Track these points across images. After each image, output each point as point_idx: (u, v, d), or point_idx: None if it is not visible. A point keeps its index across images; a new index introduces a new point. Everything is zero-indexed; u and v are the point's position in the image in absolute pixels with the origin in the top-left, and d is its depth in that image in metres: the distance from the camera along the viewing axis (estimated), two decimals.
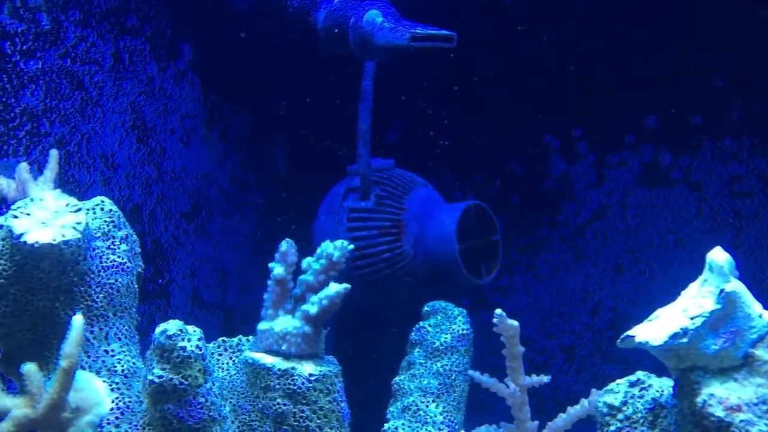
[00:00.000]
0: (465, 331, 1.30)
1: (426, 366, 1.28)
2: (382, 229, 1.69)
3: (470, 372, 1.10)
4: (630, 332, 0.79)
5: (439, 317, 1.32)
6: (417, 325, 1.32)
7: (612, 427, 0.88)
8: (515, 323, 1.04)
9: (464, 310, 1.33)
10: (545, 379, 1.04)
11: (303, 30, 1.53)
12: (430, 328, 1.31)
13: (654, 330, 0.75)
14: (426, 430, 1.19)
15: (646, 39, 2.06)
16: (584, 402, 1.03)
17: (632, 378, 0.91)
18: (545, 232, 2.20)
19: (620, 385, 0.91)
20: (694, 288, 0.78)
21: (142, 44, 1.65)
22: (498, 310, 1.04)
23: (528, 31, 2.10)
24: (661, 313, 0.79)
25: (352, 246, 1.05)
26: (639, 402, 0.88)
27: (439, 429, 1.20)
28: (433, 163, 2.18)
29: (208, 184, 1.92)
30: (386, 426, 1.22)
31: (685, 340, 0.74)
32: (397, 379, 1.29)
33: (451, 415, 1.23)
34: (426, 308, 1.34)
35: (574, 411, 1.04)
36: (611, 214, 2.15)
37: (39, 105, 1.38)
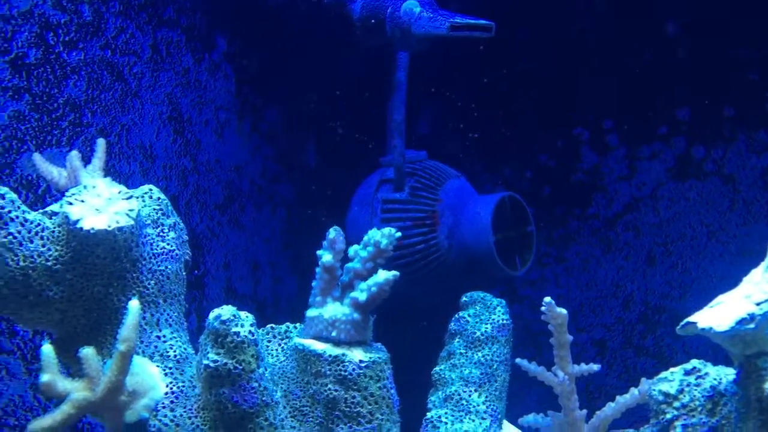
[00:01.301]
0: (505, 321, 1.29)
1: (467, 356, 1.27)
2: (417, 221, 1.69)
3: (518, 360, 1.10)
4: (691, 318, 0.78)
5: (478, 307, 1.31)
6: (456, 315, 1.32)
7: (668, 415, 0.87)
8: (564, 311, 1.04)
9: (503, 300, 1.33)
10: (595, 367, 1.04)
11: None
12: (469, 318, 1.30)
13: (717, 316, 0.75)
14: (470, 419, 1.19)
15: (678, 30, 2.04)
16: (634, 391, 1.02)
17: (687, 366, 0.91)
18: (576, 225, 2.19)
19: (675, 373, 0.91)
20: (757, 274, 0.78)
21: (178, 36, 1.65)
22: (547, 298, 1.04)
23: (559, 22, 2.09)
24: (722, 299, 0.78)
25: (399, 234, 1.05)
26: (696, 390, 0.87)
27: (483, 418, 1.20)
28: (462, 155, 2.18)
29: (241, 177, 1.93)
30: (429, 415, 1.22)
31: (752, 326, 0.73)
32: (437, 368, 1.29)
33: (493, 405, 1.23)
34: (464, 298, 1.34)
35: (623, 400, 1.03)
36: (642, 206, 2.14)
37: (81, 96, 1.39)
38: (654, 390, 0.90)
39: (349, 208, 1.82)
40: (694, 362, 0.91)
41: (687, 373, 0.90)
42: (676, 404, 0.87)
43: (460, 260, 1.72)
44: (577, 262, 2.19)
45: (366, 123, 2.20)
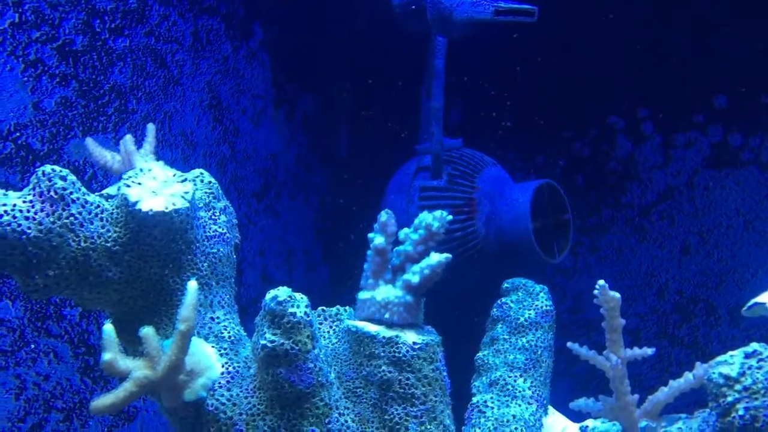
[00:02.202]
0: (548, 308, 1.29)
1: (510, 341, 1.27)
2: (455, 208, 1.69)
3: (569, 344, 1.09)
4: (758, 299, 0.77)
5: (520, 293, 1.31)
6: (498, 302, 1.32)
7: (729, 398, 0.86)
8: (617, 295, 1.04)
9: (545, 287, 1.32)
10: (649, 351, 1.03)
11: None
12: (512, 304, 1.30)
13: None
14: (516, 403, 1.19)
15: (715, 16, 2.01)
16: (688, 375, 1.01)
17: (747, 349, 0.90)
18: (609, 214, 2.17)
19: (734, 356, 0.90)
20: None
21: (218, 24, 1.66)
22: (601, 281, 1.03)
23: (594, 8, 2.07)
24: None
25: (450, 217, 1.05)
26: (758, 372, 0.86)
27: (529, 403, 1.20)
28: (495, 144, 2.17)
29: (277, 165, 1.93)
30: (474, 399, 1.22)
31: None
32: (480, 354, 1.29)
33: (539, 390, 1.23)
34: (506, 285, 1.33)
35: (677, 384, 1.02)
36: (678, 195, 2.12)
37: (127, 82, 1.41)
38: (713, 373, 0.90)
39: (384, 195, 1.82)
40: (755, 345, 0.91)
41: (747, 356, 0.89)
42: (738, 387, 0.87)
43: (497, 248, 1.72)
44: (610, 251, 2.18)
45: (398, 112, 2.20)
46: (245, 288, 1.80)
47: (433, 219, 1.03)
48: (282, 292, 0.95)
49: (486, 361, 1.26)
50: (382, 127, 2.22)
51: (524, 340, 1.25)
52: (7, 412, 1.28)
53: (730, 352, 0.93)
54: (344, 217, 2.22)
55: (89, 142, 1.13)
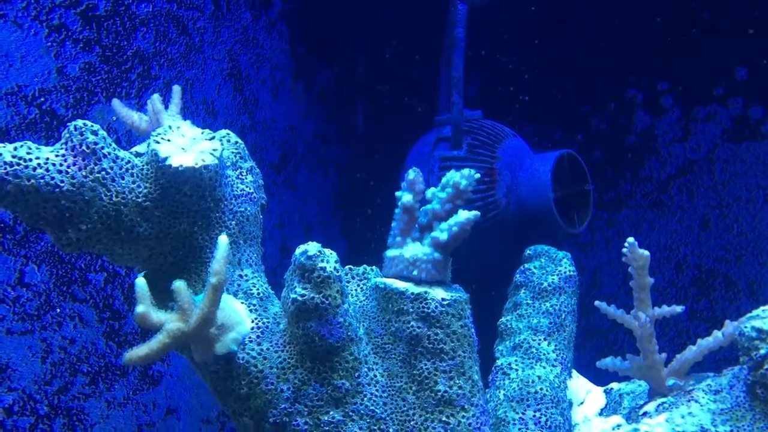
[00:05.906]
0: (572, 273, 1.29)
1: (534, 306, 1.27)
2: None
3: (597, 303, 1.09)
4: None
5: (543, 260, 1.31)
6: (521, 267, 1.32)
7: (762, 351, 0.86)
8: (646, 252, 1.03)
9: (568, 253, 1.32)
10: (678, 309, 1.03)
11: None
12: (535, 270, 1.30)
13: None
14: (541, 365, 1.19)
15: None
16: (717, 334, 1.01)
17: None
18: (628, 188, 2.16)
19: (767, 310, 0.89)
20: None
21: None
22: (630, 239, 1.03)
23: None
24: None
25: (478, 175, 1.05)
26: None
27: (553, 365, 1.20)
28: (512, 118, 2.16)
29: (295, 137, 1.93)
30: (498, 362, 1.22)
31: None
32: (503, 319, 1.29)
33: (563, 353, 1.23)
34: (528, 252, 1.33)
35: (706, 343, 1.02)
36: (697, 169, 2.10)
37: (150, 48, 1.41)
38: (745, 327, 0.89)
39: (404, 165, 1.82)
40: None
41: None
42: None
43: (517, 218, 1.71)
44: (628, 225, 2.17)
45: (415, 87, 2.19)
46: (263, 259, 1.80)
47: (460, 177, 1.03)
48: (312, 247, 0.95)
49: (509, 326, 1.26)
50: (398, 102, 2.22)
51: (548, 304, 1.25)
52: (34, 375, 1.29)
53: (762, 307, 0.92)
54: (361, 191, 2.22)
55: (116, 103, 1.13)
